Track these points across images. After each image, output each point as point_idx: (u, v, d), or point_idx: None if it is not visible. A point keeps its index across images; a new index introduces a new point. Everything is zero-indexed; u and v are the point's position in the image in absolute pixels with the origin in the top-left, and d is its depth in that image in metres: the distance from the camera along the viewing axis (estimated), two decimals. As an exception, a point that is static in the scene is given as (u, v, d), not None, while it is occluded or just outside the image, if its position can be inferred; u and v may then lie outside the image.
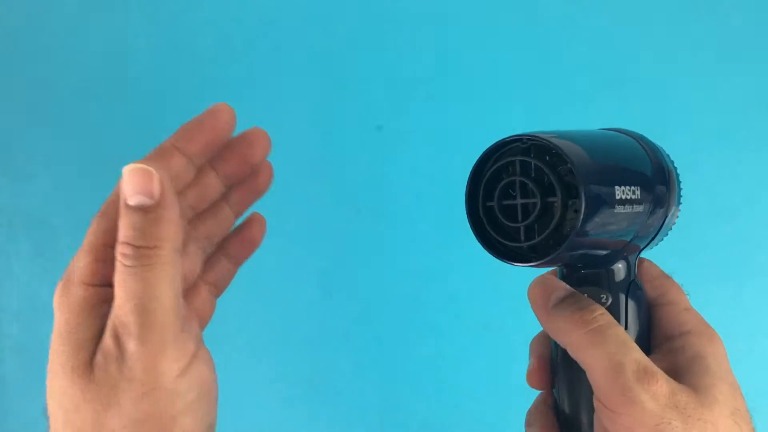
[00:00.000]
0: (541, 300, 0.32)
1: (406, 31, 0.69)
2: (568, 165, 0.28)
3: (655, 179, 0.33)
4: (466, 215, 0.32)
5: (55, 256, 0.73)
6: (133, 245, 0.28)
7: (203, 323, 0.38)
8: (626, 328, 0.33)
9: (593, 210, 0.28)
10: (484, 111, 0.68)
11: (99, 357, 0.28)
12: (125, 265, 0.28)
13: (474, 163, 0.31)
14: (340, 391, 0.70)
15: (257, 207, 0.72)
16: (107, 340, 0.28)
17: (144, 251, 0.28)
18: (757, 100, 0.66)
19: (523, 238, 0.29)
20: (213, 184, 0.38)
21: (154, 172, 0.29)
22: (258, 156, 0.37)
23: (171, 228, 0.29)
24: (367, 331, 0.70)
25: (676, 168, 0.36)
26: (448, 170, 0.68)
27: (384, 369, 0.70)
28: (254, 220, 0.42)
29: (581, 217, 0.27)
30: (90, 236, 0.32)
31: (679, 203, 0.36)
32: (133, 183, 0.29)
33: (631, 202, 0.30)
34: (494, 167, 0.30)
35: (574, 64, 0.66)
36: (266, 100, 0.71)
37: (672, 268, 0.67)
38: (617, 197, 0.29)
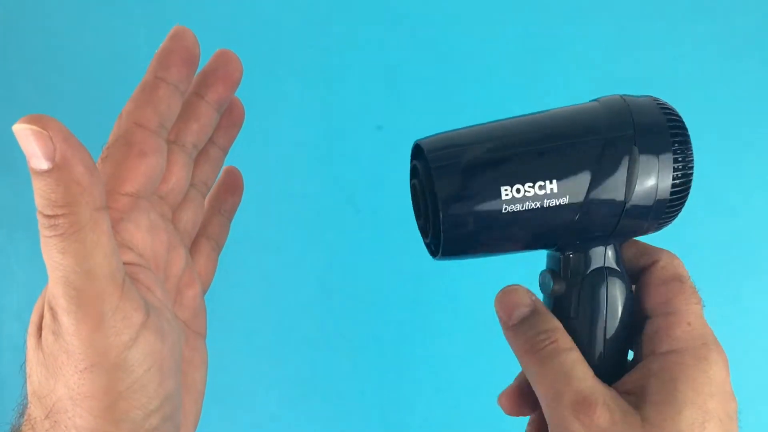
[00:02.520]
0: (503, 316, 0.32)
1: (406, 31, 0.69)
2: (427, 175, 0.30)
3: (601, 167, 0.30)
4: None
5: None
6: (44, 214, 0.24)
7: (206, 283, 0.37)
8: (575, 319, 0.32)
9: (456, 216, 0.29)
10: (484, 111, 0.68)
11: (43, 329, 0.27)
12: (43, 236, 0.24)
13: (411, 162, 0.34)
14: (340, 391, 0.70)
15: (256, 204, 0.72)
16: (45, 312, 0.27)
17: (55, 220, 0.24)
18: (757, 100, 0.66)
19: (430, 235, 0.31)
20: (207, 113, 0.37)
21: (45, 132, 0.23)
22: (238, 72, 0.35)
23: (80, 189, 0.24)
24: (367, 331, 0.70)
25: (681, 146, 0.31)
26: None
27: (384, 369, 0.70)
28: (229, 169, 0.42)
29: (441, 225, 0.29)
30: None
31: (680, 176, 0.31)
32: (27, 145, 0.23)
33: (534, 198, 0.29)
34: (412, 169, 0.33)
35: (575, 64, 0.66)
36: (266, 100, 0.71)
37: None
38: (503, 197, 0.29)
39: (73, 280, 0.25)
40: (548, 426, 0.29)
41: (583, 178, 0.29)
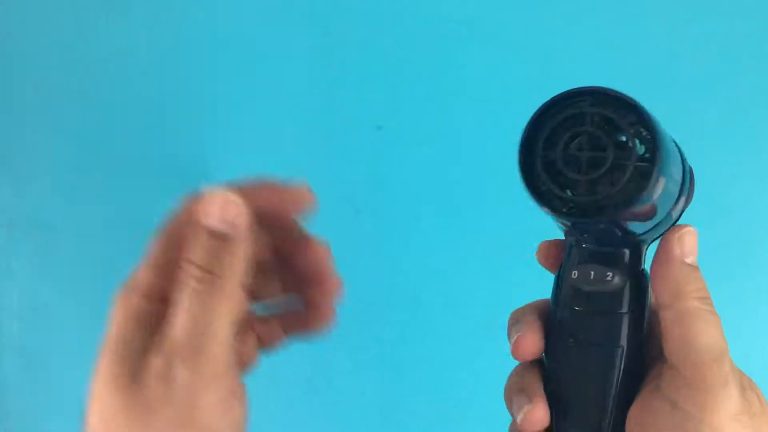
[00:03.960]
0: (683, 251, 0.31)
1: (406, 30, 0.69)
2: (647, 129, 0.28)
3: (683, 172, 0.32)
4: (518, 161, 0.29)
5: (55, 256, 0.73)
6: (203, 268, 0.28)
7: (246, 369, 0.37)
8: (629, 313, 0.32)
9: (662, 178, 0.27)
10: (484, 111, 0.68)
11: (145, 374, 0.27)
12: (190, 286, 0.27)
13: (539, 107, 0.30)
14: (340, 390, 0.70)
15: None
16: (157, 358, 0.27)
17: (211, 277, 0.28)
18: (757, 100, 0.66)
19: (584, 191, 0.28)
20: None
21: (241, 204, 0.28)
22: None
23: (241, 263, 0.29)
24: (367, 331, 0.70)
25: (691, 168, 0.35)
26: (448, 170, 0.68)
27: (384, 369, 0.70)
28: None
29: (651, 182, 0.27)
30: (152, 250, 0.32)
31: (688, 202, 0.35)
32: (218, 209, 0.28)
33: (675, 182, 0.30)
34: (562, 115, 0.29)
35: (575, 64, 0.66)
36: (266, 100, 0.71)
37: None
38: (674, 176, 0.29)
39: (204, 336, 0.26)
40: (692, 374, 0.29)
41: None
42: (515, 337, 0.34)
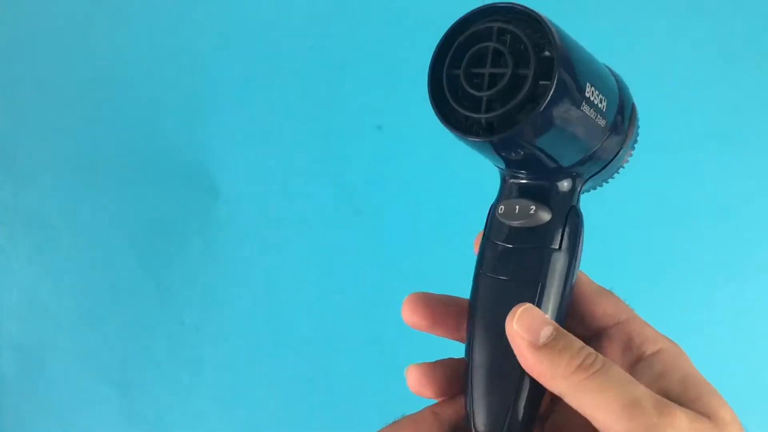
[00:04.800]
0: (528, 336, 0.28)
1: (406, 30, 0.69)
2: (550, 43, 0.26)
3: (618, 106, 0.31)
4: (427, 82, 0.29)
5: (55, 255, 0.73)
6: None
7: None
8: (554, 250, 0.30)
9: (561, 94, 0.26)
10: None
11: None
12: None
13: (451, 25, 0.29)
14: (340, 391, 0.70)
15: (257, 204, 0.72)
16: None
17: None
18: (757, 100, 0.66)
19: (483, 109, 0.27)
20: None
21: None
22: None
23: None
24: (367, 331, 0.70)
25: (637, 111, 0.34)
26: (448, 170, 0.68)
27: (384, 369, 0.70)
28: None
29: (549, 94, 0.25)
30: None
31: (634, 145, 0.34)
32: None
33: (596, 108, 0.28)
34: (469, 32, 0.28)
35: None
36: (266, 101, 0.71)
37: (670, 268, 0.67)
38: (586, 94, 0.28)
39: None
40: None
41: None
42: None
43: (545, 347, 0.28)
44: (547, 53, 0.26)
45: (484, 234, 0.33)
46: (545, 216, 0.30)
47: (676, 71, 0.66)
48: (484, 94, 0.27)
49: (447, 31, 0.29)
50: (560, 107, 0.26)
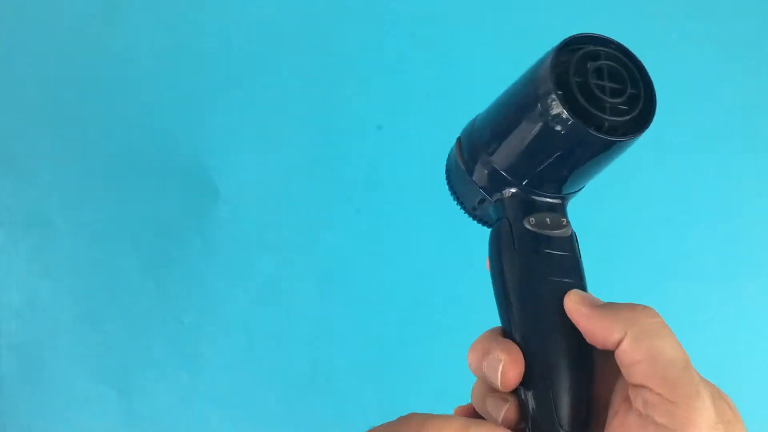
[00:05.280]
0: (583, 305, 0.32)
1: (406, 31, 0.69)
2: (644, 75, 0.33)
3: None
4: (552, 82, 0.32)
5: (55, 254, 0.73)
6: None
7: None
8: (580, 258, 0.34)
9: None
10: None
11: None
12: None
13: (563, 40, 0.33)
14: (340, 391, 0.70)
15: (256, 204, 0.72)
16: None
17: None
18: (757, 100, 0.66)
19: (609, 114, 0.31)
20: None
21: None
22: None
23: None
24: (367, 331, 0.70)
25: None
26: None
27: (384, 369, 0.70)
28: None
29: (654, 112, 0.31)
30: None
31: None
32: None
33: None
34: (584, 51, 0.33)
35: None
36: (266, 101, 0.71)
37: (670, 268, 0.67)
38: None
39: None
40: (664, 389, 0.28)
41: None
42: (501, 366, 0.34)
43: (602, 306, 0.31)
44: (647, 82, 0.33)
45: (510, 247, 0.35)
46: (570, 228, 0.35)
47: (676, 71, 0.66)
48: (616, 101, 0.31)
49: (562, 44, 0.33)
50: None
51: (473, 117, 0.40)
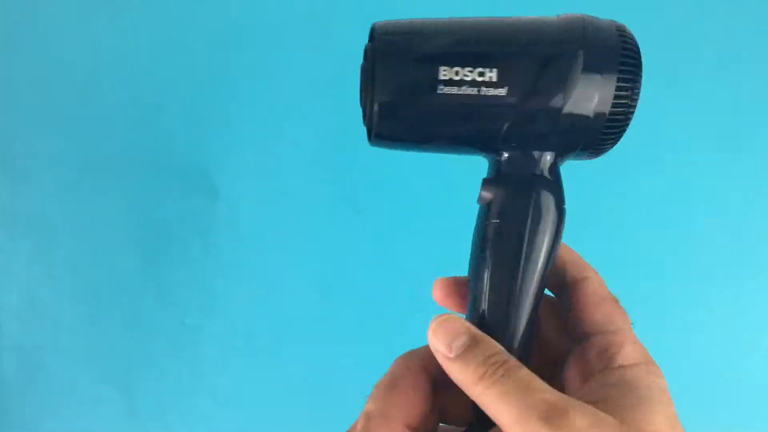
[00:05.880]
0: (442, 349, 0.31)
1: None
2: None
3: (543, 74, 0.30)
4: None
5: (55, 256, 0.73)
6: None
7: None
8: (499, 222, 0.32)
9: (391, 95, 0.30)
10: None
11: None
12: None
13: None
14: (340, 391, 0.70)
15: (257, 204, 0.72)
16: None
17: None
18: (757, 100, 0.66)
19: (364, 120, 0.32)
20: None
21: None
22: None
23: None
24: (367, 332, 0.70)
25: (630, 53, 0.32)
26: (448, 171, 0.68)
27: (384, 369, 0.70)
28: None
29: (376, 103, 0.30)
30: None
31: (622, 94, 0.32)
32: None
33: (472, 84, 0.30)
34: None
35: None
36: (266, 101, 0.71)
37: (670, 268, 0.67)
38: (442, 77, 0.30)
39: None
40: None
41: (524, 79, 0.30)
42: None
43: (457, 359, 0.30)
44: None
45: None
46: (488, 194, 0.34)
47: (676, 71, 0.66)
48: (363, 106, 0.33)
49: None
50: (398, 100, 0.32)
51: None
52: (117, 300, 0.72)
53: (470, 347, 0.30)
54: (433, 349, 0.31)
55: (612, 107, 0.31)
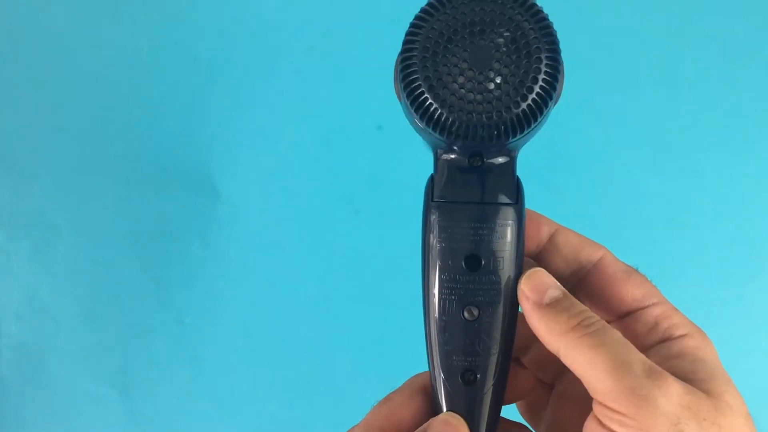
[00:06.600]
0: (535, 296, 0.30)
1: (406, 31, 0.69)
2: None
3: None
4: None
5: (55, 256, 0.73)
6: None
7: None
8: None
9: None
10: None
11: None
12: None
13: None
14: (340, 391, 0.70)
15: (257, 204, 0.72)
16: None
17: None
18: (757, 100, 0.66)
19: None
20: None
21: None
22: None
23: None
24: (367, 332, 0.70)
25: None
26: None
27: (384, 369, 0.70)
28: None
29: None
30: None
31: None
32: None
33: None
34: None
35: (574, 64, 0.66)
36: (266, 101, 0.71)
37: (670, 268, 0.67)
38: None
39: None
40: (608, 401, 0.27)
41: None
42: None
43: (549, 307, 0.29)
44: None
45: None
46: None
47: (677, 71, 0.66)
48: None
49: None
50: None
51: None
52: (117, 300, 0.72)
53: (563, 299, 0.30)
54: (521, 299, 0.31)
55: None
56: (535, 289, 0.30)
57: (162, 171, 0.72)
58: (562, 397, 0.36)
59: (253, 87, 0.71)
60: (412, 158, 0.69)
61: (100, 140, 0.72)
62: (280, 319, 0.71)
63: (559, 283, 0.30)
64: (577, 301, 0.30)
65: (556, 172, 0.66)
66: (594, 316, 0.29)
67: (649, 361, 0.27)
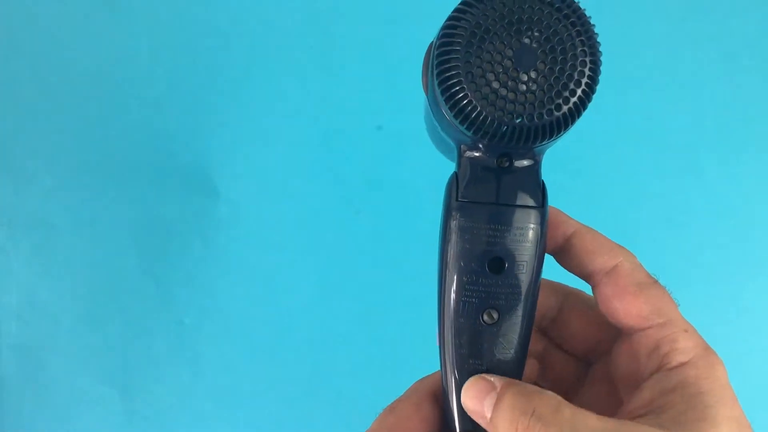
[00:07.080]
0: (476, 416, 0.28)
1: (406, 31, 0.69)
2: None
3: None
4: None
5: (55, 256, 0.73)
6: None
7: None
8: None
9: None
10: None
11: None
12: None
13: None
14: (340, 391, 0.70)
15: (257, 204, 0.72)
16: None
17: None
18: (758, 100, 0.66)
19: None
20: None
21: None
22: None
23: None
24: (367, 332, 0.70)
25: None
26: (448, 170, 0.68)
27: (384, 369, 0.70)
28: None
29: None
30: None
31: None
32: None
33: None
34: None
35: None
36: (266, 101, 0.71)
37: (669, 268, 0.67)
38: None
39: None
40: None
41: None
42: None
43: (492, 419, 0.27)
44: None
45: None
46: None
47: (677, 71, 0.66)
48: None
49: None
50: None
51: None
52: (116, 300, 0.72)
53: (499, 405, 0.27)
54: (469, 413, 0.29)
55: None
56: (477, 404, 0.29)
57: (162, 171, 0.72)
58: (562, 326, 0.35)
59: (253, 87, 0.71)
60: (412, 158, 0.69)
61: (99, 140, 0.72)
62: (280, 319, 0.71)
63: (491, 383, 0.28)
64: (517, 397, 0.27)
65: (556, 172, 0.66)
66: (540, 401, 0.26)
67: (599, 428, 0.25)
